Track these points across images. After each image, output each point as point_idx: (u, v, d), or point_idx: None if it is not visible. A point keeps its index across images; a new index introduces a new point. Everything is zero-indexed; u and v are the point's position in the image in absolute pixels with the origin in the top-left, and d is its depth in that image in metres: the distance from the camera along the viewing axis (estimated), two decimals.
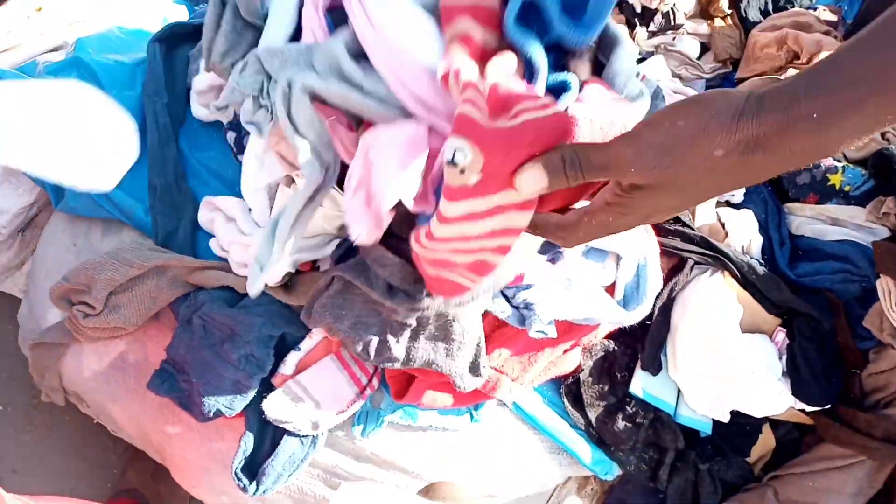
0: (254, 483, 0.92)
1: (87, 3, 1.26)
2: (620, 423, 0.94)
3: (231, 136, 1.01)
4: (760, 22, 1.61)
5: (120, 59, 1.11)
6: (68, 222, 1.07)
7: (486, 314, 0.88)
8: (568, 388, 0.97)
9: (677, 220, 0.99)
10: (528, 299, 0.81)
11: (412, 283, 0.76)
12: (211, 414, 0.92)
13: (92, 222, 1.05)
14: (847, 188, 1.02)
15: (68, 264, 1.05)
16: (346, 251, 0.87)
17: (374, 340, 0.81)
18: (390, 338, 0.81)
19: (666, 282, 0.96)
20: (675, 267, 0.98)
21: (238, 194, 0.95)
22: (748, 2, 1.64)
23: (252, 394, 0.92)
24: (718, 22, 1.63)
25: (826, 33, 1.50)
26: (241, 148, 0.98)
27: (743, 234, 1.00)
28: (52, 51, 1.16)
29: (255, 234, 0.90)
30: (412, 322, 0.80)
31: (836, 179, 1.02)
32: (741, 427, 1.00)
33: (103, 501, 1.12)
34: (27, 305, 1.13)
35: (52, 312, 1.07)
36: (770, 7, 1.68)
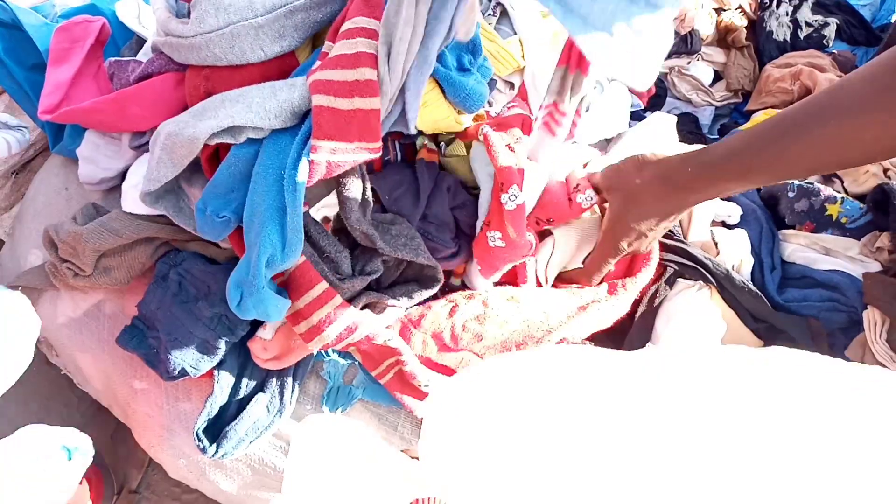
0: (214, 445, 0.90)
1: None
2: None
3: None
4: (776, 58, 1.62)
5: None
6: (63, 166, 1.07)
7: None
8: None
9: (668, 234, 0.99)
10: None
11: None
12: (175, 372, 0.90)
13: None
14: (844, 220, 1.01)
15: (58, 207, 1.04)
16: None
17: None
18: None
19: (646, 290, 0.96)
20: (658, 277, 0.97)
21: None
22: (766, 37, 1.65)
23: (219, 356, 0.90)
24: (735, 52, 1.64)
25: (839, 77, 1.52)
26: None
27: (734, 253, 0.99)
28: None
29: None
30: None
31: (833, 210, 1.02)
32: None
33: None
34: (10, 246, 1.12)
35: (34, 254, 1.05)
36: (788, 46, 1.69)
